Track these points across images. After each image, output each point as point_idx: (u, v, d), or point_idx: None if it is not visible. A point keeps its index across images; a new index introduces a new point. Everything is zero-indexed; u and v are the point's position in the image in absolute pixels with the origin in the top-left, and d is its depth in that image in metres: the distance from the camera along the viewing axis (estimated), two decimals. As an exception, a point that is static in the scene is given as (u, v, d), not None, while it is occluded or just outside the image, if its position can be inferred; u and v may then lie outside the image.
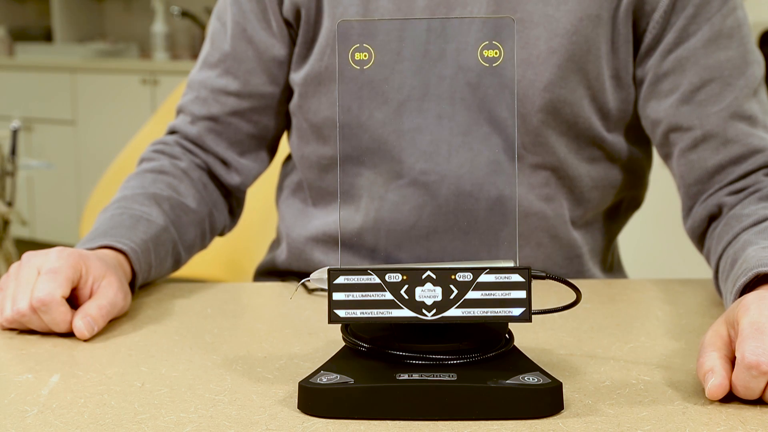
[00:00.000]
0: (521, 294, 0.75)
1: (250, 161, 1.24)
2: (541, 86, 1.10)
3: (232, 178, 1.24)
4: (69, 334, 0.94)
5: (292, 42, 1.19)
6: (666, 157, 1.15)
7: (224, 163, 1.23)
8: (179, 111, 1.25)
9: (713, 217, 1.11)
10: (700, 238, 1.13)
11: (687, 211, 1.14)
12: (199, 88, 1.23)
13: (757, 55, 1.12)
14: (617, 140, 1.16)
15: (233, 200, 1.28)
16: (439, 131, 1.11)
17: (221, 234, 1.27)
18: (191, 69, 1.26)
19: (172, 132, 1.26)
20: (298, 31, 1.17)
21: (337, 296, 0.75)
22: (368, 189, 1.15)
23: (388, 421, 0.73)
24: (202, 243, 1.22)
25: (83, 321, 0.93)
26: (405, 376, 0.74)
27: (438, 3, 1.11)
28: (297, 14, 1.16)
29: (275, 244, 1.33)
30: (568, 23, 1.09)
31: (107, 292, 0.97)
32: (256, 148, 1.24)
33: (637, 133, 1.18)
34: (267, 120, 1.22)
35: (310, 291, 1.10)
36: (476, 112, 1.10)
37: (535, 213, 1.15)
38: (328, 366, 0.77)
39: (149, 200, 1.13)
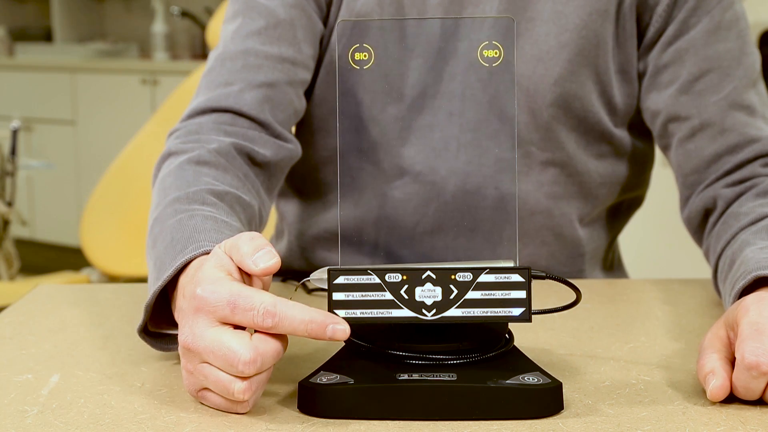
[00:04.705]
0: (521, 294, 0.75)
1: (292, 142, 1.11)
2: (551, 81, 1.10)
3: (279, 151, 1.09)
4: (68, 335, 0.94)
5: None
6: (665, 149, 1.16)
7: (275, 135, 1.09)
8: (221, 85, 1.09)
9: (709, 210, 1.11)
10: (696, 229, 1.13)
11: (684, 201, 1.15)
12: (245, 56, 1.09)
13: (754, 49, 1.14)
14: (624, 135, 1.17)
15: (274, 181, 1.12)
16: (446, 129, 1.11)
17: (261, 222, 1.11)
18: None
19: (208, 111, 1.09)
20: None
21: (337, 296, 0.75)
22: (370, 187, 1.15)
23: (388, 421, 0.72)
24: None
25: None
26: (405, 376, 0.74)
27: (451, 1, 1.11)
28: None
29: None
30: (578, 18, 1.10)
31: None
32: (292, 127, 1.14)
33: (640, 129, 1.19)
34: (303, 99, 1.14)
35: (310, 291, 1.10)
36: (476, 112, 1.10)
37: (541, 211, 1.15)
38: (328, 366, 0.77)
39: (226, 202, 0.97)
